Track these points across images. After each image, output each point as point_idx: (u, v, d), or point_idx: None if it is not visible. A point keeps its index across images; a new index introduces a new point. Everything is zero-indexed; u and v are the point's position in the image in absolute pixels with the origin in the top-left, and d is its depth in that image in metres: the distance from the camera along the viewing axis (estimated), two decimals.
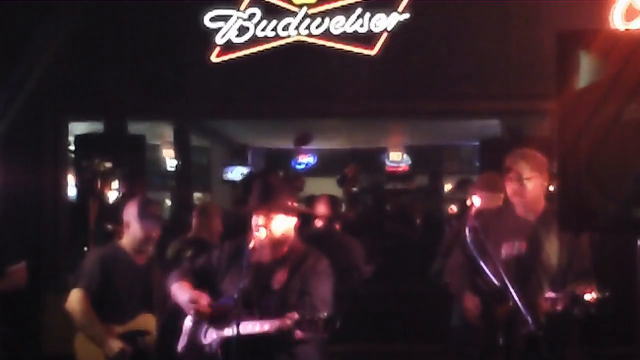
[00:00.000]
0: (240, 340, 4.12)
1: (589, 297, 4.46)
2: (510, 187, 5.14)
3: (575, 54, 3.27)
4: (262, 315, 4.26)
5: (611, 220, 3.24)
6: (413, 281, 5.53)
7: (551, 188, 5.12)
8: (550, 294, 4.74)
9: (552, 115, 4.82)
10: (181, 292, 4.54)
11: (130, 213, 5.53)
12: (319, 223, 7.49)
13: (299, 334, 4.17)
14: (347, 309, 4.42)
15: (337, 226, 7.67)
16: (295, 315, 4.09)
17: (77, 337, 5.49)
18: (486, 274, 4.94)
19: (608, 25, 7.50)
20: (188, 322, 4.57)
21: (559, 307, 4.67)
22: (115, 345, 5.30)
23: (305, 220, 5.02)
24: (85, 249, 8.12)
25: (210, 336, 4.45)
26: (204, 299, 4.44)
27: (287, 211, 4.57)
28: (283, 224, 4.54)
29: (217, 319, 4.43)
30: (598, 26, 7.32)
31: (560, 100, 3.30)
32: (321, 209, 7.41)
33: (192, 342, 4.55)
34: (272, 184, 4.71)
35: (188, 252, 6.66)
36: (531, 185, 5.04)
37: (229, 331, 4.29)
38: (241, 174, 15.18)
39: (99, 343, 5.35)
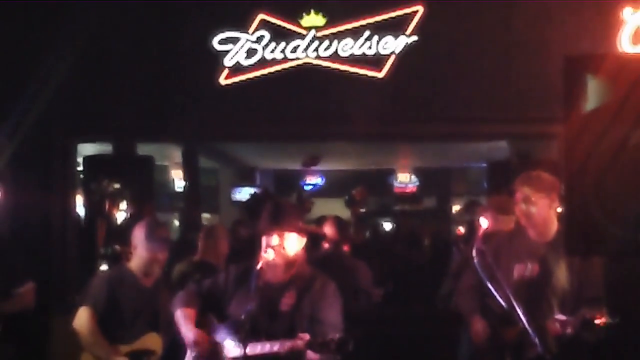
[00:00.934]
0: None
1: (599, 321, 4.44)
2: (518, 210, 5.15)
3: (582, 77, 3.27)
4: (269, 339, 4.26)
5: (618, 245, 3.23)
6: (421, 304, 5.51)
7: (559, 210, 5.12)
8: (560, 317, 4.72)
9: (560, 138, 4.82)
10: (185, 326, 4.55)
11: (138, 235, 5.57)
12: (326, 245, 7.48)
13: (309, 355, 4.17)
14: (359, 332, 4.41)
15: (346, 248, 7.66)
16: (307, 336, 4.10)
17: (83, 356, 5.51)
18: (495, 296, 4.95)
19: (616, 49, 7.51)
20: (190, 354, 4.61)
21: (568, 331, 4.66)
22: None
23: (314, 242, 5.03)
24: (94, 270, 8.14)
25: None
26: (206, 342, 4.45)
27: (300, 231, 4.59)
28: (295, 244, 4.55)
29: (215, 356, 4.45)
30: (606, 50, 7.33)
31: (567, 124, 3.30)
32: (328, 231, 7.40)
33: None
34: (283, 205, 4.73)
35: (195, 275, 6.66)
36: (537, 207, 5.04)
37: (235, 352, 4.29)
38: (249, 195, 15.19)
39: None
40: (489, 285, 4.68)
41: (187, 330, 4.51)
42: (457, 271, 6.29)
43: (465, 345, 5.83)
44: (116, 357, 5.37)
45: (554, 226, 5.14)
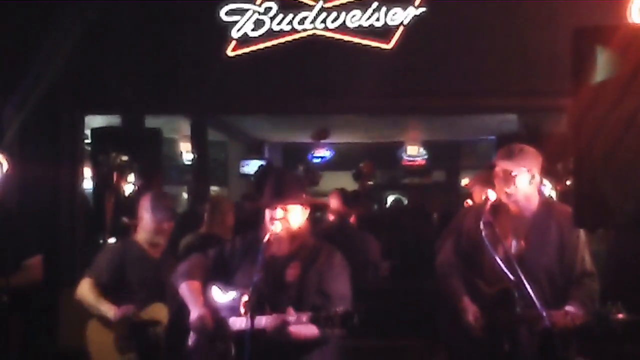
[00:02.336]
0: (253, 335, 4.12)
1: (616, 317, 4.35)
2: (497, 185, 5.03)
3: (592, 49, 3.24)
4: (273, 311, 4.25)
5: (627, 218, 3.21)
6: (430, 278, 5.47)
7: (568, 182, 5.06)
8: (569, 308, 4.65)
9: (569, 111, 4.75)
10: (191, 301, 4.53)
11: (143, 206, 5.62)
12: (331, 218, 7.48)
13: (298, 332, 4.15)
14: (366, 305, 4.39)
15: (352, 220, 7.65)
16: (291, 313, 4.08)
17: (89, 325, 5.56)
18: (489, 274, 4.91)
19: (626, 21, 7.44)
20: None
21: (577, 322, 4.59)
22: (121, 309, 5.39)
23: (319, 213, 5.02)
24: (102, 242, 8.16)
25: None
26: (210, 319, 4.44)
27: (302, 202, 4.57)
28: (299, 217, 4.54)
29: (218, 333, 4.45)
30: (615, 22, 7.26)
31: (576, 96, 3.28)
32: (333, 203, 7.40)
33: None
34: (286, 178, 4.72)
35: (201, 248, 6.67)
36: (517, 182, 4.92)
37: (242, 325, 4.29)
38: (258, 168, 15.21)
39: (106, 315, 5.44)
40: (498, 260, 4.63)
41: (193, 307, 4.50)
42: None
43: (447, 324, 5.38)
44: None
45: (535, 201, 5.03)
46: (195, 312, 4.46)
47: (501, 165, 4.99)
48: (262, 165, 14.20)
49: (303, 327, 4.14)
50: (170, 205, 5.79)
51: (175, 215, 5.83)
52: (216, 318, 4.47)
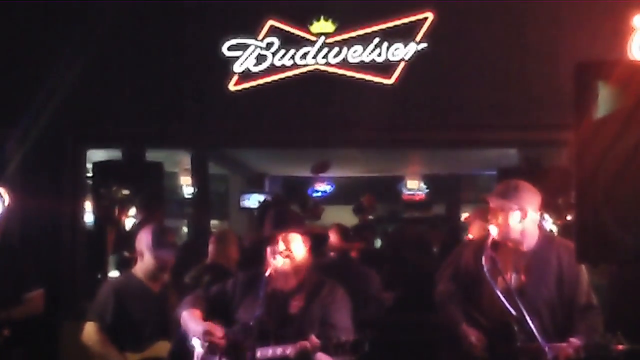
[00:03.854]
0: None
1: (617, 348, 4.34)
2: (491, 221, 5.03)
3: (593, 84, 3.26)
4: (277, 343, 4.25)
5: (630, 252, 3.21)
6: (431, 311, 5.46)
7: (569, 217, 5.06)
8: (574, 341, 4.64)
9: (570, 145, 4.77)
10: (193, 321, 4.53)
11: (144, 242, 5.55)
12: (332, 254, 7.48)
13: (320, 357, 4.16)
14: (372, 337, 4.39)
15: (354, 255, 7.65)
16: (315, 339, 4.09)
17: None
18: (487, 308, 4.90)
19: (626, 56, 7.49)
20: (199, 349, 4.57)
21: (581, 355, 4.58)
22: None
23: (319, 245, 5.01)
24: (103, 276, 8.16)
25: None
26: (218, 331, 4.43)
27: (303, 232, 4.58)
28: (301, 247, 4.55)
29: (231, 350, 4.42)
30: (616, 57, 7.30)
31: (578, 131, 3.29)
32: (332, 239, 7.40)
33: None
34: (286, 209, 4.75)
35: (205, 277, 6.67)
36: (510, 220, 4.92)
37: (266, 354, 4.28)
38: (258, 202, 15.21)
39: None
40: (499, 294, 4.63)
41: (196, 325, 4.49)
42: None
43: (449, 357, 5.38)
44: None
45: (534, 236, 5.02)
46: (198, 327, 4.45)
47: (494, 202, 5.00)
48: (265, 199, 14.20)
49: (322, 356, 4.16)
50: (172, 241, 5.74)
51: (176, 249, 5.79)
52: (224, 332, 4.46)
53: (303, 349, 4.12)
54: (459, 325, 5.05)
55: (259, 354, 4.20)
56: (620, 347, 4.31)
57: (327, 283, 4.65)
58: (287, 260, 4.48)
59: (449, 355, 5.28)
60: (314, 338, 4.11)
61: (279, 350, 4.23)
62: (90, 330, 5.50)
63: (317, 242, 4.80)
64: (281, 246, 4.49)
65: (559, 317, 4.89)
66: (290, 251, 4.50)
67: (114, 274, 8.29)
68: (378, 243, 13.93)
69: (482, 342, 4.91)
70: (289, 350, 4.19)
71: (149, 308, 5.55)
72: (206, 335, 4.43)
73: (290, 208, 5.25)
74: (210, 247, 7.23)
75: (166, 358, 5.25)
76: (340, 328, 4.34)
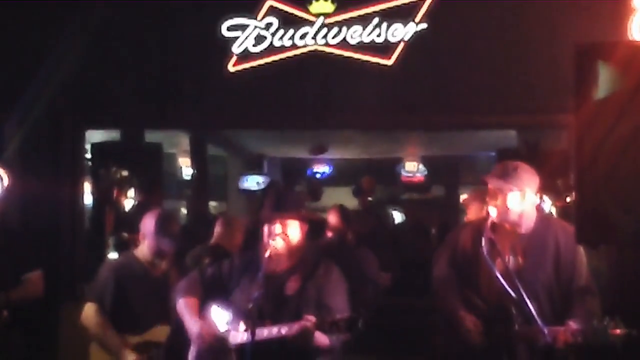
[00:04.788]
0: (256, 348, 4.13)
1: (615, 332, 4.34)
2: (489, 203, 5.01)
3: (593, 66, 3.25)
4: (274, 324, 4.26)
5: (629, 234, 3.21)
6: (428, 294, 5.45)
7: (568, 199, 5.04)
8: (572, 325, 4.64)
9: (569, 128, 4.74)
10: (190, 317, 4.55)
11: (147, 226, 5.54)
12: (330, 234, 7.47)
13: (317, 338, 4.17)
14: (368, 313, 4.40)
15: (350, 237, 7.65)
16: (313, 318, 4.10)
17: (92, 346, 5.52)
18: (485, 290, 4.90)
19: (626, 38, 7.46)
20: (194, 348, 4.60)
21: (579, 339, 4.58)
22: (130, 357, 5.32)
23: (317, 230, 5.00)
24: (102, 257, 8.15)
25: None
26: (211, 334, 4.45)
27: (301, 218, 4.59)
28: (298, 232, 4.56)
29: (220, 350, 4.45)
30: (616, 38, 7.28)
31: (578, 112, 3.28)
32: (332, 220, 7.40)
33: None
34: (286, 193, 4.74)
35: (206, 258, 6.67)
36: (508, 201, 4.89)
37: (244, 338, 4.29)
38: (257, 183, 15.22)
39: (114, 354, 5.38)
40: (499, 276, 4.64)
41: (192, 323, 4.51)
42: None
43: (445, 342, 5.30)
44: (125, 349, 5.37)
45: (532, 218, 4.99)
46: (194, 327, 4.47)
47: (493, 183, 4.98)
48: (271, 181, 14.22)
49: (320, 335, 4.17)
50: (175, 231, 5.68)
51: (178, 238, 5.73)
52: (215, 332, 4.47)
53: (304, 328, 4.13)
54: (456, 312, 5.03)
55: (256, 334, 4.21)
56: (618, 331, 4.31)
57: (322, 263, 4.66)
58: (283, 243, 4.49)
59: (445, 339, 5.28)
60: (309, 317, 4.12)
61: (275, 330, 4.25)
62: (89, 312, 5.49)
63: (314, 228, 4.80)
64: (278, 228, 4.49)
65: (557, 300, 4.88)
66: (286, 235, 4.51)
67: (112, 255, 8.28)
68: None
69: (478, 328, 4.89)
70: (285, 330, 4.20)
71: (149, 291, 5.54)
72: (199, 338, 4.45)
73: (292, 191, 5.23)
74: (217, 229, 7.22)
75: (165, 342, 5.27)
76: (335, 308, 4.35)
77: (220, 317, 4.49)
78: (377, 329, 5.19)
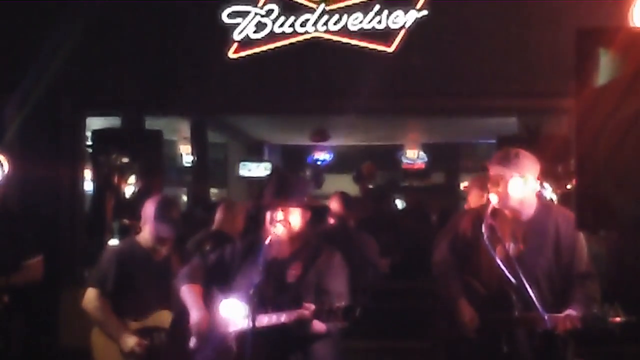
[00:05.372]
0: (256, 334, 4.14)
1: (614, 320, 4.34)
2: (490, 189, 5.00)
3: (594, 51, 3.24)
4: (275, 310, 4.27)
5: (630, 220, 3.21)
6: (428, 279, 5.46)
7: (569, 186, 5.03)
8: (571, 311, 4.64)
9: (570, 113, 4.72)
10: (192, 304, 4.56)
11: (148, 212, 5.54)
12: (331, 220, 7.49)
13: (315, 326, 4.19)
14: (366, 302, 4.41)
15: (352, 223, 7.66)
16: (312, 306, 4.11)
17: (94, 330, 5.53)
18: (485, 275, 4.90)
19: (628, 23, 7.45)
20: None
21: (579, 325, 4.58)
22: (131, 340, 5.33)
23: (319, 216, 5.02)
24: (102, 243, 8.17)
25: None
26: (207, 324, 4.47)
27: (303, 206, 4.58)
28: (300, 219, 4.56)
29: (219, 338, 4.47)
30: (618, 24, 7.26)
31: (578, 98, 3.27)
32: (334, 206, 7.41)
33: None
34: (289, 180, 4.72)
35: (207, 244, 6.68)
36: (509, 188, 4.88)
37: (244, 324, 4.30)
38: (264, 169, 15.28)
39: (115, 339, 5.39)
40: (499, 263, 4.64)
41: (194, 310, 4.52)
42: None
43: (445, 326, 5.23)
44: (126, 333, 5.38)
45: (532, 205, 4.97)
46: (195, 315, 4.49)
47: (494, 170, 4.96)
48: (275, 167, 14.25)
49: (318, 322, 4.19)
50: (176, 217, 5.66)
51: (178, 225, 5.72)
52: (215, 320, 4.49)
53: (301, 317, 4.14)
54: (456, 300, 5.02)
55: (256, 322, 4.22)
56: (618, 319, 4.32)
57: (324, 250, 4.65)
58: (284, 230, 4.49)
59: (444, 323, 5.28)
60: (311, 305, 4.14)
61: (274, 318, 4.26)
62: (90, 296, 5.50)
63: (316, 215, 4.81)
64: (280, 215, 4.49)
65: (557, 286, 4.88)
66: (288, 222, 4.50)
67: (113, 241, 8.29)
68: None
69: (475, 324, 4.90)
70: (284, 317, 4.21)
71: (151, 276, 5.54)
72: (195, 326, 4.47)
73: (295, 177, 5.21)
74: (218, 215, 7.23)
75: (167, 328, 5.27)
76: (334, 294, 4.35)
77: (235, 310, 4.47)
78: (377, 312, 5.20)
